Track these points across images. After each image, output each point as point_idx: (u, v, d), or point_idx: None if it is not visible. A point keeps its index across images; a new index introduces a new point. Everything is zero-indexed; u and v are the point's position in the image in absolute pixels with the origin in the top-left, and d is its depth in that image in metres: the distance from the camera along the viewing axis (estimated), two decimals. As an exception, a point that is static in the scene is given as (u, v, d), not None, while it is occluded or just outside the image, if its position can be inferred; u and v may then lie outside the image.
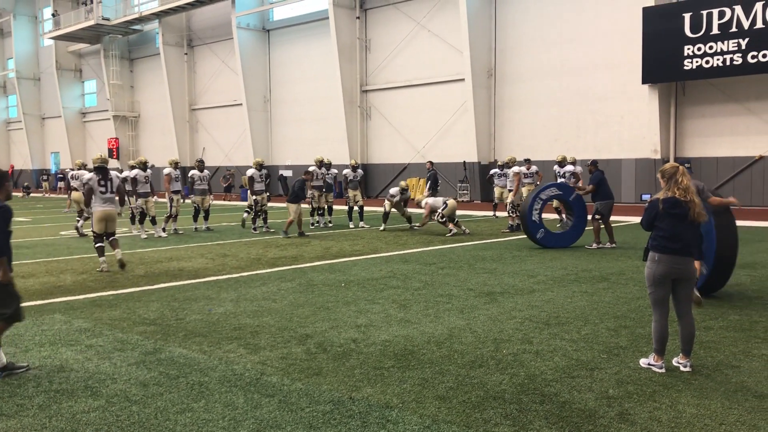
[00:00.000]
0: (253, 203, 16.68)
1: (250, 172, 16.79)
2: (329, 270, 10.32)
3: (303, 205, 15.50)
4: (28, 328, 6.69)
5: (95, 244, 10.67)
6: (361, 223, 17.64)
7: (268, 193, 16.78)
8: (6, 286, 5.37)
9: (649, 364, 5.25)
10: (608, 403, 4.49)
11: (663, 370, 5.14)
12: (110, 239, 10.58)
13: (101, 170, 10.69)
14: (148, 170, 15.91)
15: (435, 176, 18.85)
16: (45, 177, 42.82)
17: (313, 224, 17.76)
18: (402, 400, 4.56)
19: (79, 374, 5.22)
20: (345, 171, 17.81)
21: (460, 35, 26.92)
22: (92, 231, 10.76)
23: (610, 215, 12.69)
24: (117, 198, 10.84)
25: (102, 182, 10.59)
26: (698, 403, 4.48)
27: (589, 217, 12.96)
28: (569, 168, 16.88)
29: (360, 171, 18.02)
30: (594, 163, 13.09)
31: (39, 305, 7.89)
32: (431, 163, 19.89)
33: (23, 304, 7.87)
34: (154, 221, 15.68)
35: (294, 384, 4.92)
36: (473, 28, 26.36)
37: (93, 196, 10.52)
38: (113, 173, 10.94)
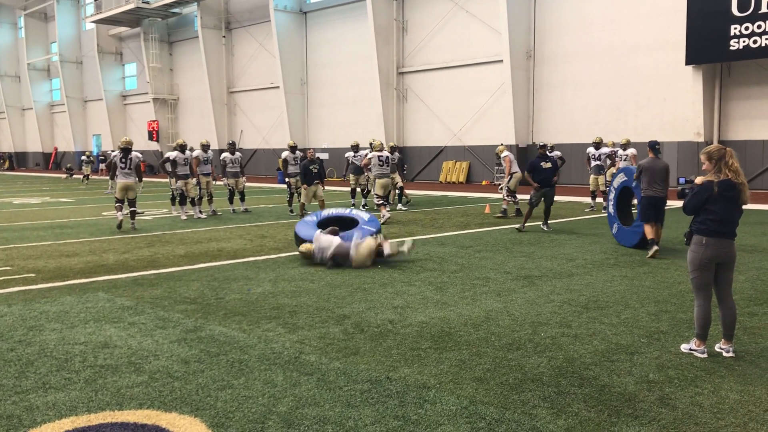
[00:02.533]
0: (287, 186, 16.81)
1: (284, 154, 16.87)
2: (366, 252, 10.34)
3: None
4: (73, 306, 6.87)
5: (115, 203, 13.62)
6: (399, 206, 17.53)
7: None
8: None
9: (690, 349, 5.16)
10: (648, 387, 4.44)
11: (705, 356, 5.06)
12: (131, 210, 13.65)
13: (124, 150, 13.59)
14: (187, 152, 16.11)
15: (401, 161, 18.53)
16: (87, 159, 43.64)
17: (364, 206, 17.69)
18: (439, 381, 4.58)
19: (122, 350, 5.35)
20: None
21: (498, 16, 26.56)
22: (115, 196, 13.74)
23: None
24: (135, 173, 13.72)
25: (123, 160, 13.49)
26: (742, 389, 4.40)
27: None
28: (605, 150, 16.60)
29: (397, 154, 17.76)
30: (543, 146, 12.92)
31: (83, 283, 8.08)
32: (393, 147, 18.76)
33: (68, 282, 8.10)
34: (194, 203, 15.91)
35: (332, 363, 4.97)
36: (512, 9, 25.97)
37: (117, 171, 13.50)
38: (133, 153, 13.65)
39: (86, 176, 34.82)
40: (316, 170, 15.15)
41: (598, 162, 16.48)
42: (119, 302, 7.04)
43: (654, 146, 9.91)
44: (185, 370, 4.86)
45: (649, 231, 9.80)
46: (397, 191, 17.90)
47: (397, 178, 17.41)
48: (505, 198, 15.44)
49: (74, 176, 39.51)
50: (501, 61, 26.83)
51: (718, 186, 5.00)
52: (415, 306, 6.75)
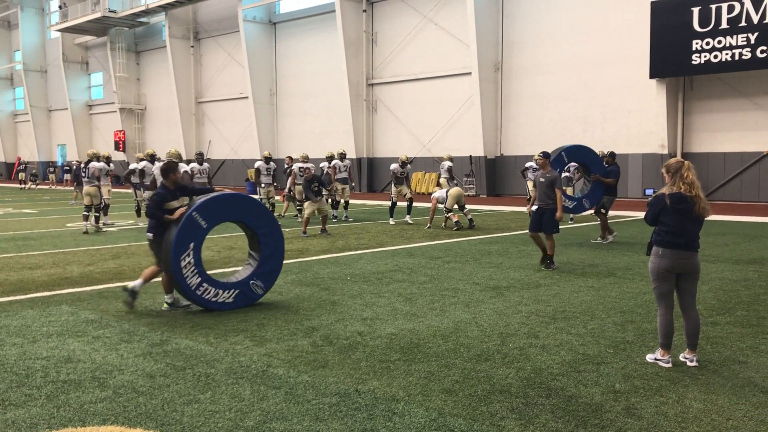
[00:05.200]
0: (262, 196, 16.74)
1: (258, 164, 16.83)
2: (335, 263, 10.33)
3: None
4: (35, 319, 6.72)
5: (83, 212, 15.13)
6: (408, 218, 16.70)
7: (275, 184, 16.81)
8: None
9: (655, 359, 5.24)
10: (615, 397, 4.49)
11: (669, 365, 5.13)
12: (95, 216, 15.16)
13: (87, 162, 15.46)
14: (156, 163, 15.94)
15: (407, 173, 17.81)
16: (51, 169, 42.89)
17: (335, 217, 17.52)
18: (408, 393, 4.57)
19: (86, 365, 5.24)
20: (393, 165, 17.28)
21: (467, 29, 26.83)
22: (83, 203, 15.28)
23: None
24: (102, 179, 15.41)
25: (84, 170, 15.50)
26: (705, 398, 4.47)
27: (591, 211, 13.32)
28: (574, 162, 16.78)
29: (409, 166, 17.32)
30: (612, 155, 13.32)
31: (46, 296, 7.92)
32: (404, 162, 17.33)
33: (30, 295, 7.93)
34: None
35: (300, 376, 4.93)
36: (480, 22, 26.26)
37: (81, 179, 15.56)
38: (92, 164, 15.30)
39: (31, 180, 36.72)
40: (316, 188, 13.94)
41: (567, 174, 16.66)
42: (83, 315, 6.90)
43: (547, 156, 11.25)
44: (150, 384, 4.78)
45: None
46: (344, 201, 17.77)
47: (405, 189, 16.85)
48: (447, 216, 15.31)
49: (39, 186, 38.77)
50: (469, 73, 27.08)
51: (669, 198, 5.13)
52: (384, 317, 6.74)
